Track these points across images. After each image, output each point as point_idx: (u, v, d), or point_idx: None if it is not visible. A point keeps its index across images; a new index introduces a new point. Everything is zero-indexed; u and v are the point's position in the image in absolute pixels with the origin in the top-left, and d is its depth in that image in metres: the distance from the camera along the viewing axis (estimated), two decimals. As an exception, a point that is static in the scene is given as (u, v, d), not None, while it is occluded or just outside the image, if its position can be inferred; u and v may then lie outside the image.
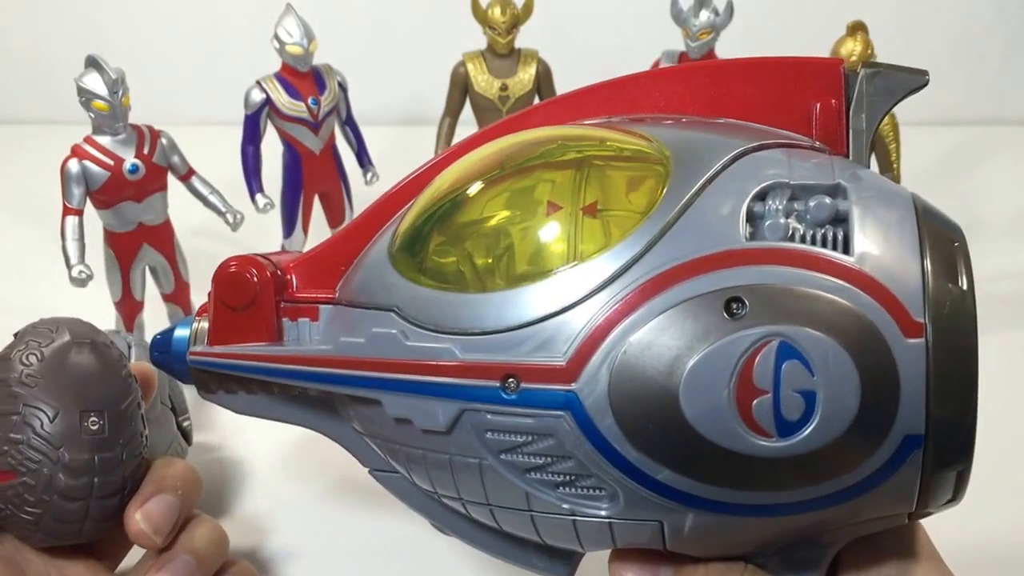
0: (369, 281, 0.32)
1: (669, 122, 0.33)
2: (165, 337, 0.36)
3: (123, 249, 0.55)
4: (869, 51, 0.64)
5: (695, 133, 0.31)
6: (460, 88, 0.70)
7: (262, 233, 0.63)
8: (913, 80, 0.30)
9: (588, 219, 0.29)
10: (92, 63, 0.52)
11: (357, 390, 0.31)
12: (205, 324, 0.34)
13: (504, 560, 0.33)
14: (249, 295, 0.33)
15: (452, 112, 0.71)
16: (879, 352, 0.25)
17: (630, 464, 0.27)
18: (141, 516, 0.35)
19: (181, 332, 0.35)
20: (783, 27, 0.99)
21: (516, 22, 0.68)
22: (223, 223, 0.58)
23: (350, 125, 0.68)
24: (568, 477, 0.28)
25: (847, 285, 0.26)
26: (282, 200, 0.66)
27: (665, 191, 0.28)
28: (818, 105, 0.31)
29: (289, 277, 0.34)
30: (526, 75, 0.69)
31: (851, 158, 0.31)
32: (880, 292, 0.26)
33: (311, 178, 0.66)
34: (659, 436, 0.26)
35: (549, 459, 0.28)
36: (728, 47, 0.62)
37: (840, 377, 0.25)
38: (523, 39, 0.69)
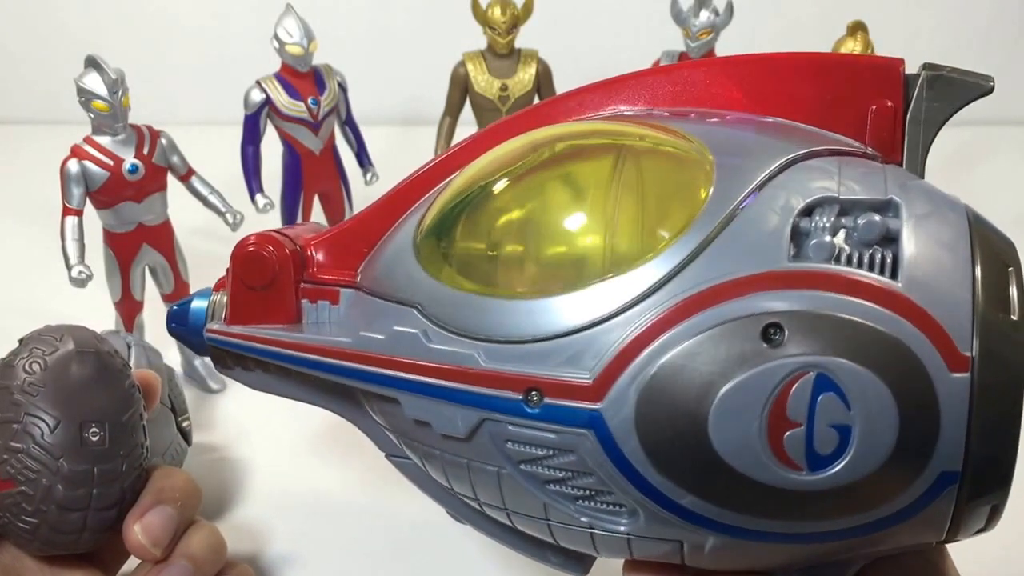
0: (392, 271, 0.31)
1: (715, 119, 0.31)
2: (182, 308, 0.35)
3: (123, 249, 0.55)
4: (869, 51, 0.64)
5: (743, 134, 0.30)
6: (460, 88, 0.70)
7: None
8: (977, 86, 0.29)
9: (623, 227, 0.28)
10: (92, 63, 0.52)
11: (376, 387, 0.30)
12: (222, 297, 0.34)
13: (519, 553, 0.33)
14: (268, 275, 0.32)
15: (452, 112, 0.71)
16: (921, 387, 0.24)
17: (652, 487, 0.26)
18: (140, 529, 0.34)
19: (198, 304, 0.35)
20: (783, 27, 0.99)
21: (516, 22, 0.68)
22: (223, 223, 0.58)
23: (350, 125, 0.68)
24: (588, 492, 0.27)
25: (891, 314, 0.24)
26: (282, 200, 0.66)
27: (707, 201, 0.27)
28: (873, 107, 0.29)
29: (310, 254, 0.33)
30: (526, 75, 0.69)
31: (904, 167, 0.29)
32: (926, 322, 0.24)
33: (311, 178, 0.66)
34: (685, 462, 0.25)
35: (570, 473, 0.27)
36: (728, 47, 0.62)
37: (878, 413, 0.24)
38: (523, 39, 0.69)
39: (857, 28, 0.65)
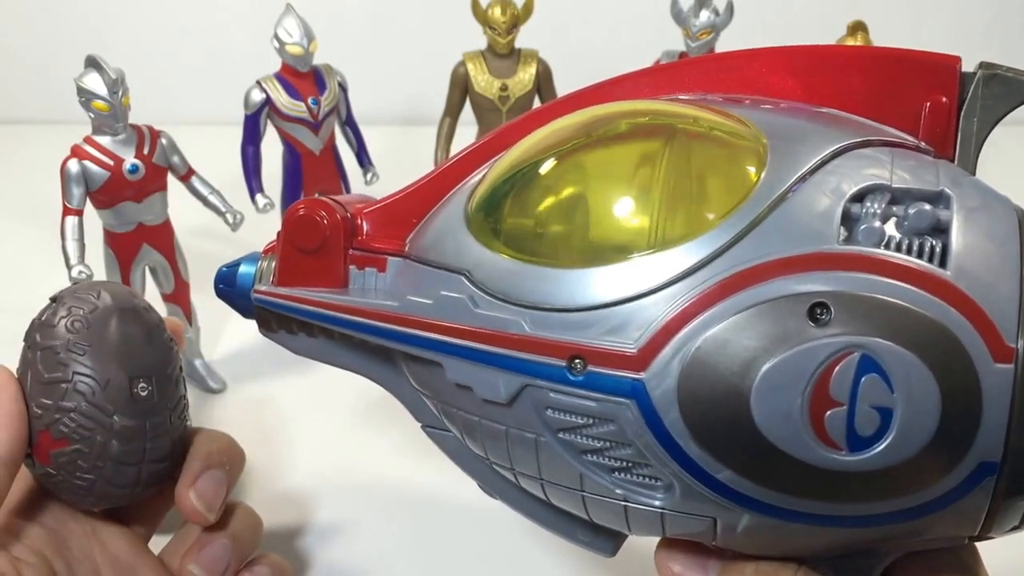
0: (442, 239, 0.31)
1: (768, 106, 0.31)
2: (231, 271, 0.35)
3: (123, 249, 0.55)
4: (869, 51, 0.64)
5: (796, 121, 0.30)
6: (460, 88, 0.70)
7: (262, 233, 0.63)
8: None
9: (673, 202, 0.28)
10: (92, 63, 0.52)
11: (420, 351, 0.30)
12: (270, 263, 0.34)
13: (549, 530, 0.33)
14: (318, 238, 0.32)
15: (452, 112, 0.71)
16: (965, 375, 0.24)
17: (691, 460, 0.26)
18: (195, 495, 0.36)
19: (247, 268, 0.35)
20: (783, 27, 0.99)
21: (516, 22, 0.68)
22: (223, 223, 0.58)
23: (350, 125, 0.68)
24: (625, 463, 0.27)
25: (939, 301, 0.24)
26: (282, 200, 0.66)
27: (759, 182, 0.27)
28: (928, 103, 0.29)
29: (360, 222, 0.33)
30: (526, 75, 0.69)
31: (956, 163, 0.29)
32: (973, 311, 0.24)
33: (311, 178, 0.66)
34: (725, 436, 0.25)
35: (608, 444, 0.27)
36: (728, 47, 0.62)
37: (921, 397, 0.24)
38: (523, 39, 0.69)
39: (857, 28, 0.65)
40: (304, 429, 0.55)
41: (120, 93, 0.52)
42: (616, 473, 0.28)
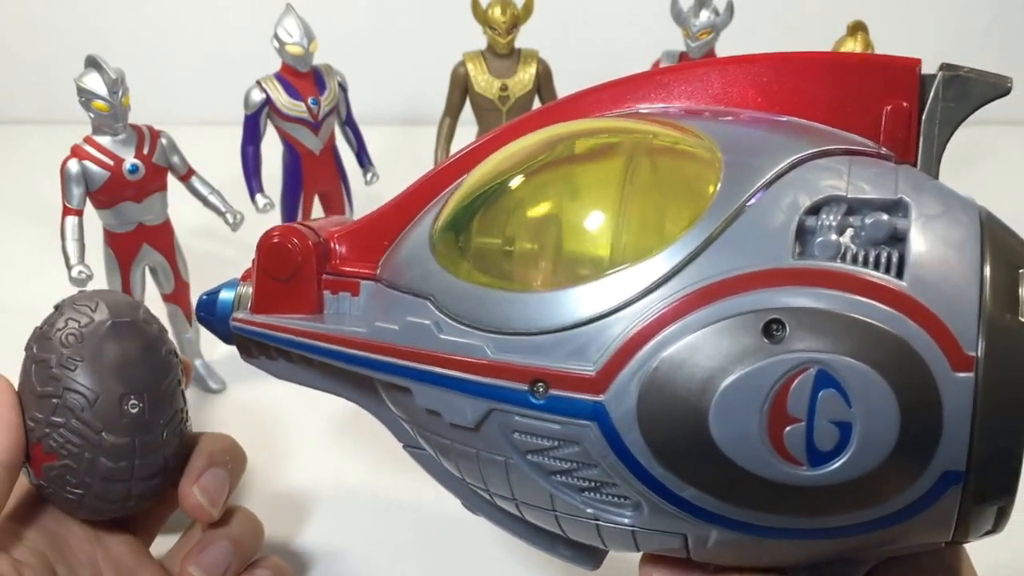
0: (409, 264, 0.31)
1: (728, 118, 0.31)
2: (211, 298, 0.36)
3: (123, 249, 0.55)
4: (869, 51, 0.64)
5: (755, 132, 0.30)
6: (460, 88, 0.70)
7: (262, 233, 0.63)
8: (994, 88, 0.28)
9: (632, 224, 0.28)
10: (92, 63, 0.52)
11: (389, 376, 0.30)
12: (248, 288, 0.34)
13: (532, 546, 0.33)
14: (291, 267, 0.33)
15: (452, 112, 0.71)
16: (924, 386, 0.24)
17: (654, 479, 0.26)
18: (199, 491, 0.36)
19: (226, 295, 0.35)
20: (783, 27, 0.99)
21: (516, 22, 0.68)
22: (223, 223, 0.58)
23: (350, 125, 0.68)
24: (593, 483, 0.28)
25: (895, 312, 0.24)
26: (282, 200, 0.66)
27: (713, 199, 0.27)
28: (888, 107, 0.29)
29: (334, 246, 0.34)
30: (526, 75, 0.69)
31: (919, 167, 0.29)
32: (931, 321, 0.24)
33: (311, 178, 0.66)
34: (686, 455, 0.25)
35: (575, 464, 0.27)
36: (728, 47, 0.62)
37: (879, 410, 0.24)
38: (523, 39, 0.69)
39: (857, 28, 0.65)
40: (304, 429, 0.55)
41: (120, 93, 0.52)
42: (585, 493, 0.28)
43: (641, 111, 0.32)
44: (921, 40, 0.98)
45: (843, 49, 0.65)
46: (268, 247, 0.33)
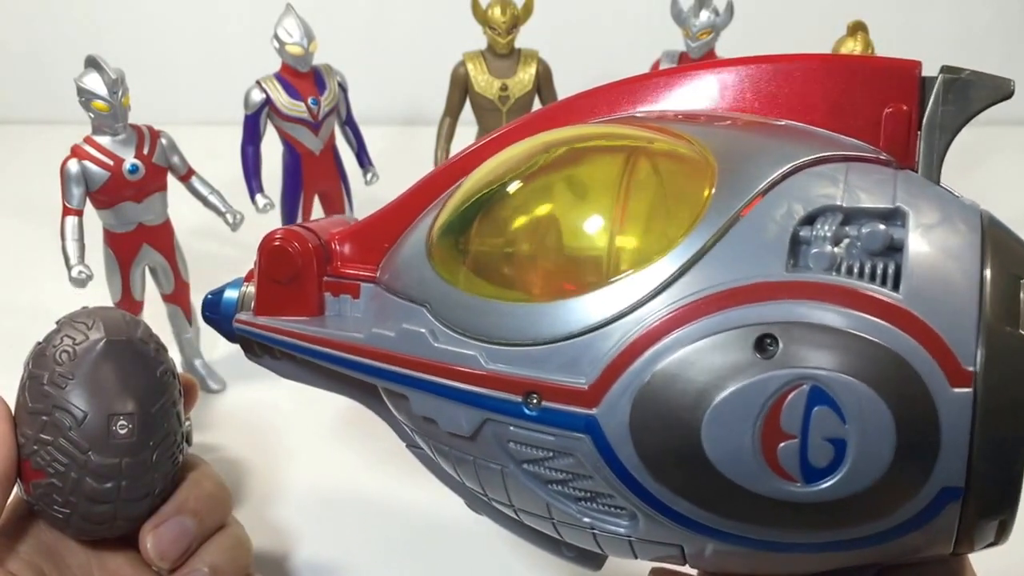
0: (406, 269, 0.31)
1: (727, 122, 0.30)
2: (216, 298, 0.36)
3: (123, 249, 0.55)
4: (869, 51, 0.64)
5: (749, 139, 0.29)
6: (460, 88, 0.70)
7: (262, 233, 0.63)
8: (996, 91, 0.27)
9: (626, 234, 0.28)
10: (92, 63, 0.52)
11: (386, 383, 0.30)
12: (252, 289, 0.35)
13: (535, 546, 0.33)
14: (292, 270, 0.33)
15: (452, 112, 0.71)
16: (920, 402, 0.23)
17: (649, 493, 0.26)
18: (151, 541, 0.34)
19: (230, 294, 0.35)
20: (783, 27, 0.99)
21: (516, 22, 0.68)
22: (223, 223, 0.58)
23: (350, 125, 0.68)
24: (589, 494, 0.27)
25: (890, 326, 0.23)
26: (282, 200, 0.66)
27: (706, 210, 0.26)
28: (888, 111, 0.28)
29: (335, 248, 0.34)
30: (526, 75, 0.69)
31: (920, 172, 0.28)
32: (927, 336, 0.23)
33: (311, 178, 0.66)
34: (679, 470, 0.25)
35: (570, 475, 0.27)
36: (728, 47, 0.62)
37: (874, 427, 0.23)
38: (523, 39, 0.69)
39: (857, 28, 0.65)
40: (304, 429, 0.55)
41: (120, 93, 0.52)
42: (581, 502, 0.28)
43: (638, 115, 0.32)
44: (921, 40, 0.98)
45: (843, 49, 0.65)
46: (269, 250, 0.33)
